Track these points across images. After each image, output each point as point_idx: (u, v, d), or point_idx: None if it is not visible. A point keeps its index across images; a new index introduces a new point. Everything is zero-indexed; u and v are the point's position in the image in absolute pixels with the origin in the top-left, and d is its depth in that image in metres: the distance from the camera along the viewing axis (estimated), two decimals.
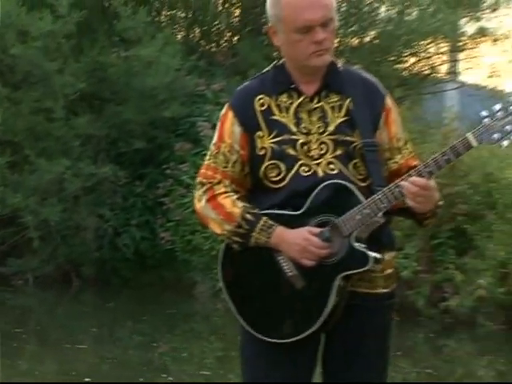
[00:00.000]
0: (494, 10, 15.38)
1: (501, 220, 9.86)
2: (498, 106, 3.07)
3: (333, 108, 3.19)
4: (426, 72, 16.03)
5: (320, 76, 3.21)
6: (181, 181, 11.53)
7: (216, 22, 14.99)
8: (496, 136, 3.06)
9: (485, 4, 15.39)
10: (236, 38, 14.98)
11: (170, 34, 13.32)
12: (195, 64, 13.13)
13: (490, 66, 15.66)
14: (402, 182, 3.05)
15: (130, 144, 12.58)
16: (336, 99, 3.20)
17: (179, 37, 14.65)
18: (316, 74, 3.19)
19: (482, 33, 15.46)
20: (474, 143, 3.05)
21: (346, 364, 3.20)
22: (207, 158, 3.26)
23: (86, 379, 7.11)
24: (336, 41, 12.89)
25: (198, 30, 15.15)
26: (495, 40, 15.46)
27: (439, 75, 16.35)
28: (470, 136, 3.05)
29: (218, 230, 3.20)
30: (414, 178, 3.03)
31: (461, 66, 16.29)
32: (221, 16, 14.94)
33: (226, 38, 15.21)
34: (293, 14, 3.10)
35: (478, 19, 15.45)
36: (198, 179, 3.27)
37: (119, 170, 12.47)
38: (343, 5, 14.49)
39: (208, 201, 3.19)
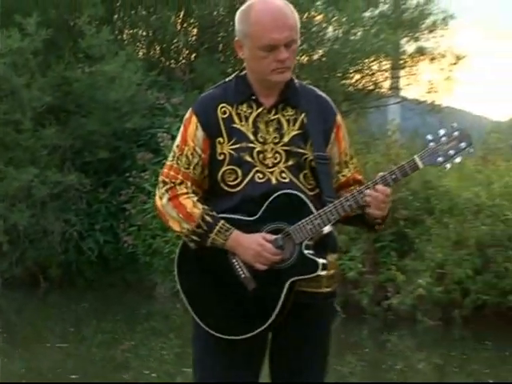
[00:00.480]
0: (432, 31, 15.51)
1: (438, 224, 9.91)
2: (442, 131, 3.12)
3: (288, 121, 3.18)
4: (370, 88, 16.05)
5: (279, 90, 3.20)
6: (142, 188, 11.49)
7: (175, 41, 14.92)
8: (440, 159, 3.11)
9: (423, 25, 15.50)
10: (193, 56, 14.91)
11: (132, 51, 13.25)
12: (155, 79, 13.15)
13: (428, 82, 15.78)
14: (368, 191, 3.07)
15: (95, 154, 12.49)
16: (292, 113, 3.19)
17: (140, 54, 14.59)
18: (275, 88, 3.18)
19: (420, 52, 15.60)
20: (421, 165, 3.10)
21: (295, 357, 3.21)
22: (170, 158, 3.23)
23: (73, 376, 7.05)
24: None
25: (158, 48, 15.10)
26: (433, 58, 15.60)
27: (382, 91, 16.36)
28: (416, 158, 3.11)
29: (177, 228, 3.16)
30: (381, 187, 3.08)
31: (402, 82, 16.26)
32: (179, 35, 14.88)
33: (184, 55, 15.16)
34: (259, 32, 3.10)
35: (416, 39, 15.59)
36: (161, 178, 3.22)
37: (84, 177, 12.38)
38: None
39: (170, 199, 3.17)
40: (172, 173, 3.20)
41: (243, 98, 3.20)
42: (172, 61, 15.10)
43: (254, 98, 3.19)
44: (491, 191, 10.07)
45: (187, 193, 3.17)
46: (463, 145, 3.12)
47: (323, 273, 3.13)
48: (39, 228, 12.29)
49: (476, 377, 8.02)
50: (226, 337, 3.15)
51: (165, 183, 3.20)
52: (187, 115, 3.23)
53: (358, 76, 15.78)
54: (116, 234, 12.19)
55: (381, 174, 3.13)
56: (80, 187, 12.39)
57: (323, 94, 3.31)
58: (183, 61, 15.07)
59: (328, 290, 3.24)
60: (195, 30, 15.15)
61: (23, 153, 12.34)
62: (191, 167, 3.19)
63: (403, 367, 8.41)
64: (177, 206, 3.16)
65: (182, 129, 3.23)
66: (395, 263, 9.96)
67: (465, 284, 9.50)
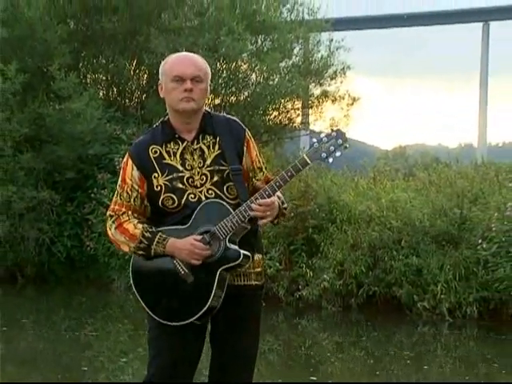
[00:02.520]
0: (333, 78, 15.70)
1: (339, 231, 9.94)
2: (323, 134, 3.12)
3: (208, 146, 3.16)
4: (285, 122, 16.13)
5: (197, 124, 3.16)
6: (102, 202, 11.33)
7: (129, 84, 14.93)
8: (324, 155, 3.09)
9: (326, 74, 15.68)
10: (144, 96, 14.88)
11: (94, 92, 13.12)
12: (113, 115, 13.09)
13: (330, 118, 15.98)
14: (253, 205, 3.04)
15: (63, 174, 12.40)
16: (210, 139, 3.17)
17: (101, 94, 14.48)
18: (189, 118, 3.15)
19: (324, 94, 15.76)
20: (309, 161, 3.08)
21: (233, 338, 3.20)
22: (115, 196, 3.22)
23: (84, 368, 6.92)
24: (219, 98, 13.01)
25: (115, 90, 15.02)
26: (334, 100, 15.80)
27: (295, 125, 16.45)
28: (305, 156, 3.09)
29: (126, 249, 3.16)
30: (260, 201, 3.05)
31: (310, 118, 16.37)
32: (132, 79, 14.90)
33: (136, 96, 15.10)
34: (171, 67, 3.13)
35: (321, 84, 15.75)
36: (108, 213, 3.22)
37: (54, 194, 12.26)
38: (225, 73, 14.63)
39: (116, 228, 3.16)
40: (116, 207, 3.20)
41: (169, 138, 3.17)
42: (127, 100, 15.06)
43: (177, 136, 3.17)
44: (380, 205, 10.13)
45: (129, 219, 3.16)
46: (340, 141, 3.10)
47: (246, 262, 3.12)
48: (17, 235, 12.15)
49: (367, 350, 8.05)
50: (175, 323, 3.13)
51: (111, 216, 3.20)
52: (125, 159, 3.22)
53: (275, 113, 15.85)
54: (81, 240, 12.05)
55: (264, 187, 3.11)
56: (51, 202, 12.29)
57: (232, 117, 3.28)
58: (136, 100, 15.03)
59: (256, 283, 3.24)
60: (145, 76, 15.12)
61: (4, 173, 12.21)
62: (131, 200, 3.17)
63: (311, 344, 8.42)
64: (122, 231, 3.15)
65: (121, 171, 3.22)
66: (305, 262, 9.97)
67: (359, 278, 9.54)
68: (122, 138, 12.49)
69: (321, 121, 16.14)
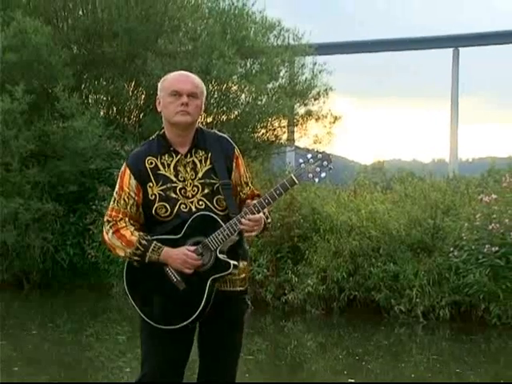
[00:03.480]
0: (316, 99, 15.74)
1: (322, 240, 9.91)
2: (309, 155, 3.13)
3: (200, 161, 3.16)
4: (272, 139, 16.18)
5: (190, 138, 3.17)
6: (103, 213, 11.01)
7: (128, 103, 14.95)
8: (310, 175, 3.11)
9: (310, 94, 15.74)
10: (142, 115, 14.90)
11: (95, 111, 13.12)
12: (113, 132, 13.05)
13: (314, 135, 16.01)
14: (243, 220, 3.05)
15: (66, 188, 12.39)
16: (202, 154, 3.17)
17: (102, 113, 14.45)
18: (183, 131, 3.16)
19: (308, 113, 15.78)
20: (297, 181, 3.10)
21: (218, 340, 3.20)
22: (112, 203, 3.20)
23: (85, 367, 6.87)
24: (211, 117, 12.98)
25: (115, 109, 15.04)
26: (317, 118, 15.82)
27: (281, 141, 16.50)
28: (293, 176, 3.11)
29: (122, 254, 3.14)
30: (250, 216, 3.06)
31: (295, 135, 16.41)
32: (131, 99, 14.92)
33: (134, 115, 15.13)
34: (170, 83, 3.14)
35: (306, 104, 15.78)
36: (106, 218, 3.19)
37: (58, 205, 12.24)
38: (216, 93, 14.67)
39: (113, 233, 3.13)
40: (114, 213, 3.17)
41: (164, 150, 3.17)
42: (125, 118, 15.07)
43: (172, 149, 3.17)
44: (360, 215, 10.13)
45: (126, 226, 3.14)
46: (325, 163, 3.12)
47: (235, 271, 3.13)
48: (24, 244, 12.09)
49: (348, 349, 8.05)
50: (167, 327, 3.14)
51: (109, 222, 3.18)
52: (122, 168, 3.20)
53: (263, 130, 15.86)
54: (82, 248, 12.02)
55: (253, 202, 3.11)
56: (55, 213, 12.25)
57: (223, 134, 3.29)
58: (134, 118, 15.04)
59: (241, 288, 3.25)
60: (143, 96, 15.15)
61: (12, 187, 12.15)
62: (128, 207, 3.15)
63: (296, 345, 8.41)
64: (119, 237, 3.13)
65: (119, 179, 3.20)
66: (291, 269, 9.94)
67: (341, 283, 9.53)
68: (122, 154, 12.49)
69: (305, 138, 16.19)
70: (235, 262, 3.12)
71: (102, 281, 11.67)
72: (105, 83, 14.77)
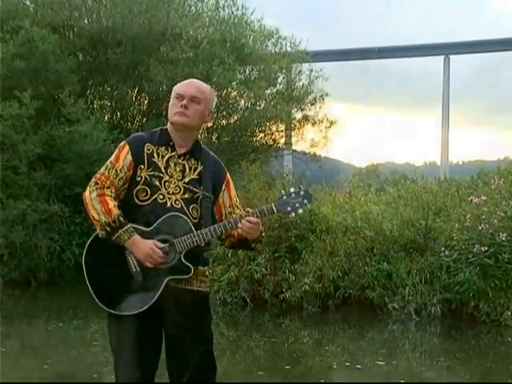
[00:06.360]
0: (312, 104, 15.79)
1: (318, 240, 9.92)
2: (292, 189, 3.19)
3: (190, 168, 3.19)
4: (270, 143, 16.24)
5: (189, 144, 3.20)
6: None
7: (131, 109, 14.97)
8: (289, 209, 3.17)
9: (307, 100, 15.78)
10: (144, 119, 14.94)
11: (100, 116, 13.24)
12: (117, 136, 12.93)
13: (311, 139, 16.06)
14: (241, 223, 3.08)
15: (72, 190, 12.39)
16: (194, 163, 3.21)
17: (106, 118, 14.54)
18: (181, 133, 3.19)
19: (305, 118, 15.86)
20: (275, 210, 3.16)
21: (182, 332, 3.13)
22: (103, 168, 3.15)
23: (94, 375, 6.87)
24: (211, 122, 13.00)
25: (118, 114, 15.09)
26: (314, 123, 15.88)
27: (279, 145, 16.57)
28: (273, 205, 3.16)
29: (95, 216, 3.07)
30: (250, 218, 3.10)
31: (293, 139, 16.45)
32: (134, 105, 14.94)
33: (137, 119, 15.16)
34: (177, 87, 3.20)
35: (303, 109, 15.86)
36: (94, 180, 3.13)
37: (64, 207, 12.31)
38: (216, 99, 14.68)
39: (98, 196, 3.08)
40: (103, 178, 3.12)
41: (164, 143, 3.20)
42: (129, 123, 15.11)
43: (171, 143, 3.20)
44: (355, 216, 10.15)
45: (111, 195, 3.09)
46: (305, 201, 3.18)
47: (192, 275, 3.12)
48: (31, 243, 12.15)
49: (343, 345, 8.04)
50: (123, 313, 3.11)
51: (96, 183, 3.12)
52: (122, 143, 3.21)
53: (262, 135, 15.92)
54: None
55: (250, 210, 3.17)
56: (61, 214, 12.33)
57: (218, 158, 3.32)
58: (137, 123, 15.06)
59: (198, 289, 3.18)
60: (146, 101, 15.18)
61: (20, 189, 12.22)
62: (117, 179, 3.12)
63: (293, 341, 8.40)
64: (101, 201, 3.07)
65: (116, 151, 3.19)
66: (288, 268, 9.92)
67: (336, 282, 9.54)
68: None
69: (302, 141, 16.26)
70: (195, 268, 3.12)
71: None
72: (109, 89, 14.80)
